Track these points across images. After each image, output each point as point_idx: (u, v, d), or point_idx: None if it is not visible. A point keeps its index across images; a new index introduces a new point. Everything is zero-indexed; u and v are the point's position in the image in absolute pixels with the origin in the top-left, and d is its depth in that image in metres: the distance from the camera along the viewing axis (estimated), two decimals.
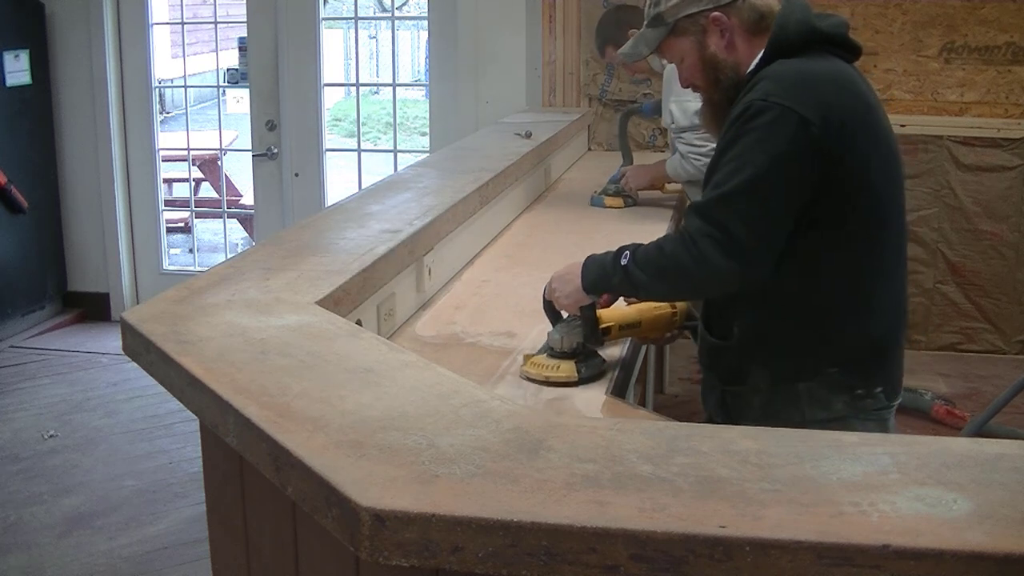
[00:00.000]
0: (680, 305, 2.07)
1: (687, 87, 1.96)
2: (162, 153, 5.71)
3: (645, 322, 2.05)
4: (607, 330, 1.97)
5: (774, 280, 1.74)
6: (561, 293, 1.93)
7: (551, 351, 1.94)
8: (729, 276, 1.71)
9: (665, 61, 2.35)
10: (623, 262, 1.82)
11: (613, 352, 2.05)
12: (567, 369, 1.90)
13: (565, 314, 1.97)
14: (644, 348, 2.39)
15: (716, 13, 1.83)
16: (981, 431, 3.35)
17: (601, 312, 1.97)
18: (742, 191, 1.69)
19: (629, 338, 2.10)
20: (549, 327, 1.99)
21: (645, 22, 1.92)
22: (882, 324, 1.83)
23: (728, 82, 1.85)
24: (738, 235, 1.68)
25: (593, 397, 1.87)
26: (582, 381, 1.90)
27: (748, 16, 1.83)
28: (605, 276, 1.86)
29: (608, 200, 3.56)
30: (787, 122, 1.67)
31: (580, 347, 1.93)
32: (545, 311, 2.00)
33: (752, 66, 1.82)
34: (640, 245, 1.83)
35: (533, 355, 1.96)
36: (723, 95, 1.86)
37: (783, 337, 1.82)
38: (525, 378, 1.92)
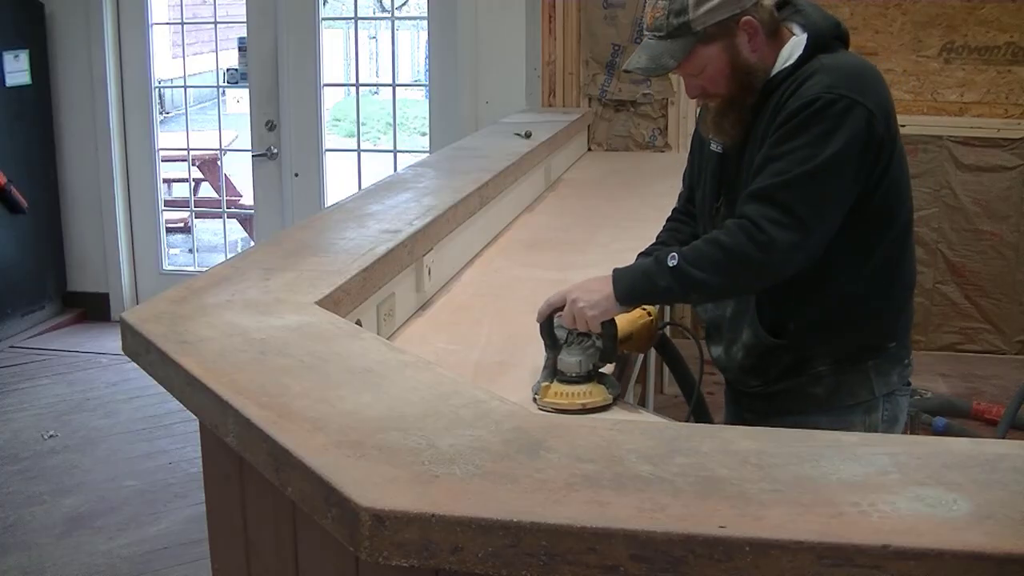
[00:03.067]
0: (653, 311, 2.03)
1: (697, 97, 1.91)
2: (162, 153, 5.71)
3: (635, 333, 1.99)
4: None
5: (832, 267, 1.81)
6: (587, 305, 1.81)
7: (563, 376, 1.83)
8: (794, 259, 1.74)
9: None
10: (671, 263, 1.76)
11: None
12: (599, 392, 1.81)
13: (561, 337, 1.87)
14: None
15: (747, 17, 1.80)
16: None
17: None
18: (808, 177, 1.72)
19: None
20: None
21: (660, 32, 1.82)
22: (912, 297, 1.97)
23: (759, 85, 1.84)
24: (803, 216, 1.72)
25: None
26: (613, 402, 1.82)
27: (766, 17, 1.83)
28: (648, 281, 1.79)
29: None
30: (855, 114, 1.73)
31: (593, 368, 1.84)
32: (542, 334, 1.89)
33: (787, 63, 1.83)
34: (679, 247, 1.81)
35: (546, 384, 1.83)
36: (753, 98, 1.85)
37: (847, 321, 1.88)
38: (552, 410, 1.78)
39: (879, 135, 1.75)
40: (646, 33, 1.86)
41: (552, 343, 1.88)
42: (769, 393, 1.95)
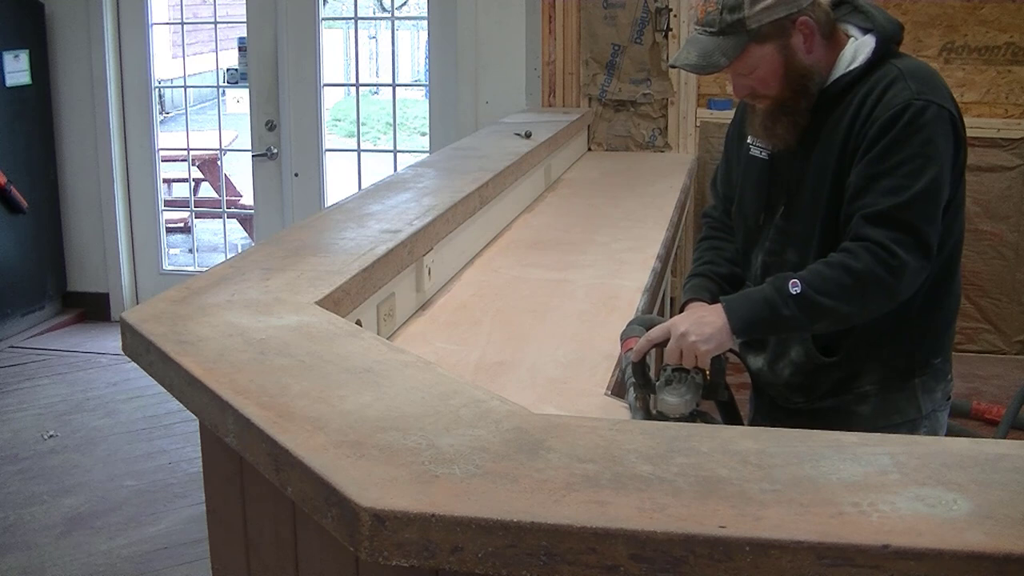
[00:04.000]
0: None
1: (745, 97, 1.84)
2: (162, 153, 5.71)
3: None
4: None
5: None
6: (700, 339, 1.70)
7: (662, 417, 1.68)
8: (921, 279, 1.71)
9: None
10: (794, 291, 1.68)
11: (612, 353, 2.04)
12: None
13: (655, 376, 1.74)
14: None
15: (804, 17, 1.74)
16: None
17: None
18: (924, 192, 1.68)
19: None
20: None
21: (712, 28, 1.75)
22: (959, 311, 1.92)
23: (815, 88, 1.79)
24: (927, 235, 1.69)
25: (593, 397, 1.87)
26: None
27: (823, 18, 1.78)
28: (768, 310, 1.70)
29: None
30: (945, 120, 1.71)
31: (697, 407, 1.71)
32: (635, 373, 1.75)
33: (852, 66, 1.77)
34: (796, 273, 1.73)
35: None
36: (809, 103, 1.79)
37: (900, 338, 1.83)
38: None
39: (962, 139, 1.74)
40: (695, 28, 1.79)
41: (644, 382, 1.75)
42: (812, 410, 1.89)
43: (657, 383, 1.74)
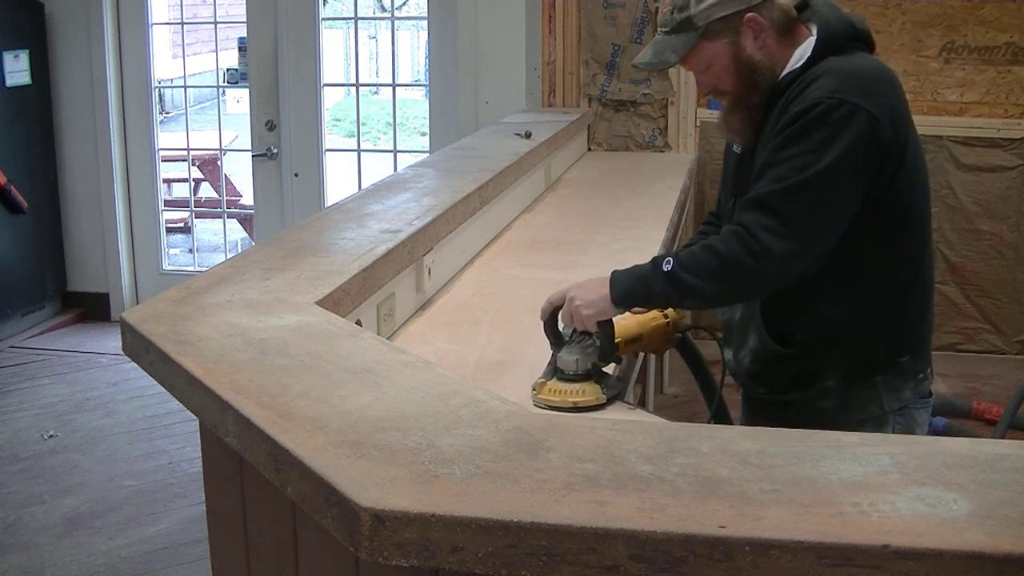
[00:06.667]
0: (671, 314, 2.02)
1: (708, 95, 1.91)
2: (162, 153, 5.71)
3: (646, 335, 1.98)
4: (616, 346, 1.88)
5: (842, 276, 1.77)
6: (583, 304, 1.81)
7: (561, 374, 1.82)
8: (791, 269, 1.71)
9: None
10: (666, 268, 1.75)
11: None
12: (592, 392, 1.79)
13: (566, 335, 1.86)
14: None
15: (751, 14, 1.78)
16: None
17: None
18: (807, 184, 1.69)
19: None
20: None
21: (665, 28, 1.84)
22: (930, 309, 1.92)
23: (765, 84, 1.82)
24: (801, 226, 1.69)
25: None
26: (609, 402, 1.81)
27: (777, 16, 1.81)
28: (643, 285, 1.79)
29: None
30: (858, 119, 1.69)
31: (593, 367, 1.83)
32: (546, 332, 1.88)
33: (798, 64, 1.80)
34: (678, 251, 1.79)
35: (544, 381, 1.83)
36: (761, 97, 1.83)
37: (856, 333, 1.83)
38: (545, 407, 1.77)
39: (884, 141, 1.71)
40: (658, 30, 1.87)
41: (556, 341, 1.87)
42: (782, 402, 1.92)
43: (565, 343, 1.85)
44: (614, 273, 1.84)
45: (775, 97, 1.82)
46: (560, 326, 1.88)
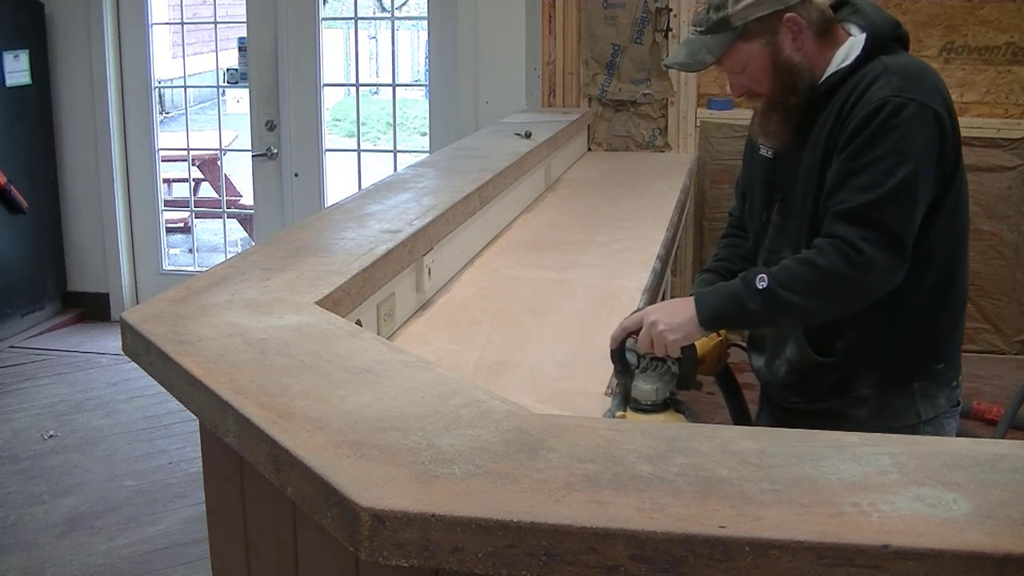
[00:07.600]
0: (723, 333, 1.96)
1: (742, 96, 1.86)
2: (162, 153, 5.71)
3: (708, 356, 1.91)
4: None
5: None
6: (668, 328, 1.73)
7: (636, 404, 1.72)
8: (892, 278, 1.69)
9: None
10: (760, 285, 1.70)
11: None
12: (677, 421, 1.69)
13: (634, 365, 1.78)
14: None
15: (791, 14, 1.76)
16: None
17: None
18: (897, 191, 1.66)
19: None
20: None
21: (700, 27, 1.81)
22: (964, 313, 1.89)
23: (804, 85, 1.79)
24: (899, 234, 1.68)
25: (593, 398, 1.87)
26: None
27: (815, 16, 1.78)
28: (735, 304, 1.72)
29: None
30: (926, 118, 1.68)
31: (670, 396, 1.74)
32: (613, 359, 1.80)
33: (843, 63, 1.78)
34: (767, 268, 1.74)
35: (622, 414, 1.74)
36: (799, 99, 1.80)
37: (897, 341, 1.81)
38: None
39: (947, 139, 1.71)
40: (690, 28, 1.84)
41: (624, 368, 1.79)
42: (810, 411, 1.89)
43: (636, 371, 1.77)
44: (698, 294, 1.79)
45: (819, 98, 1.79)
46: (627, 352, 1.79)
